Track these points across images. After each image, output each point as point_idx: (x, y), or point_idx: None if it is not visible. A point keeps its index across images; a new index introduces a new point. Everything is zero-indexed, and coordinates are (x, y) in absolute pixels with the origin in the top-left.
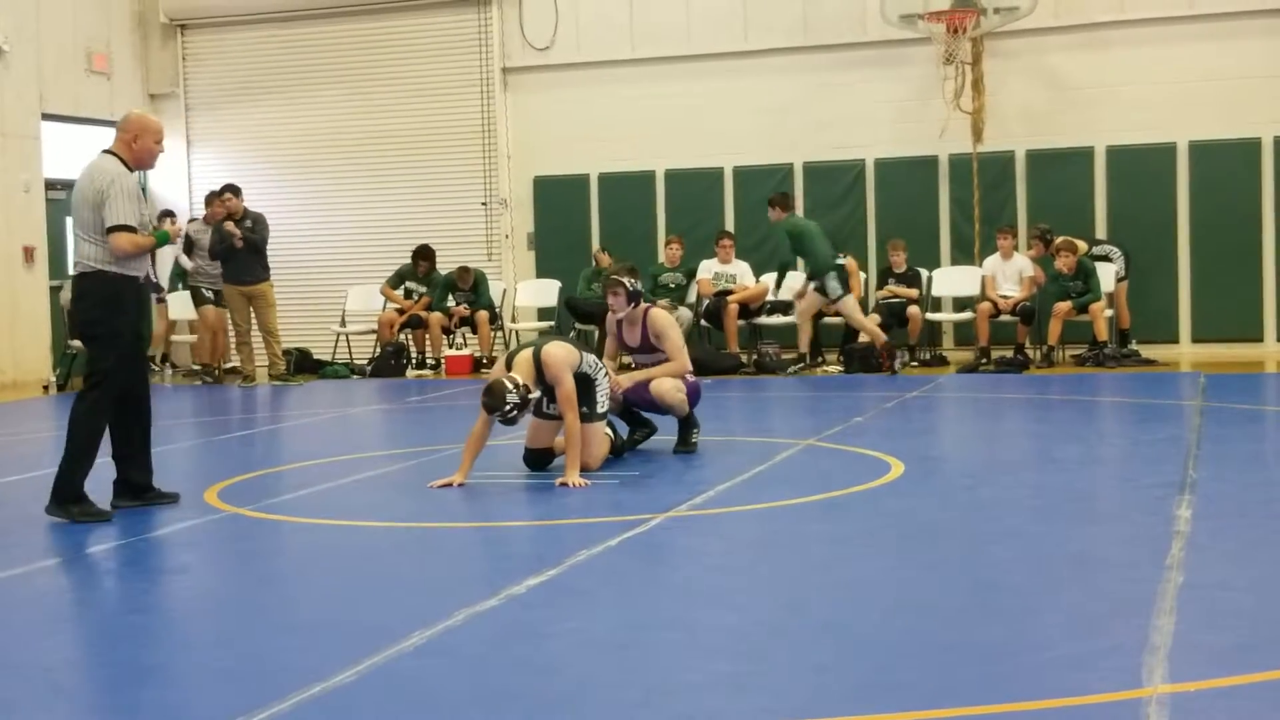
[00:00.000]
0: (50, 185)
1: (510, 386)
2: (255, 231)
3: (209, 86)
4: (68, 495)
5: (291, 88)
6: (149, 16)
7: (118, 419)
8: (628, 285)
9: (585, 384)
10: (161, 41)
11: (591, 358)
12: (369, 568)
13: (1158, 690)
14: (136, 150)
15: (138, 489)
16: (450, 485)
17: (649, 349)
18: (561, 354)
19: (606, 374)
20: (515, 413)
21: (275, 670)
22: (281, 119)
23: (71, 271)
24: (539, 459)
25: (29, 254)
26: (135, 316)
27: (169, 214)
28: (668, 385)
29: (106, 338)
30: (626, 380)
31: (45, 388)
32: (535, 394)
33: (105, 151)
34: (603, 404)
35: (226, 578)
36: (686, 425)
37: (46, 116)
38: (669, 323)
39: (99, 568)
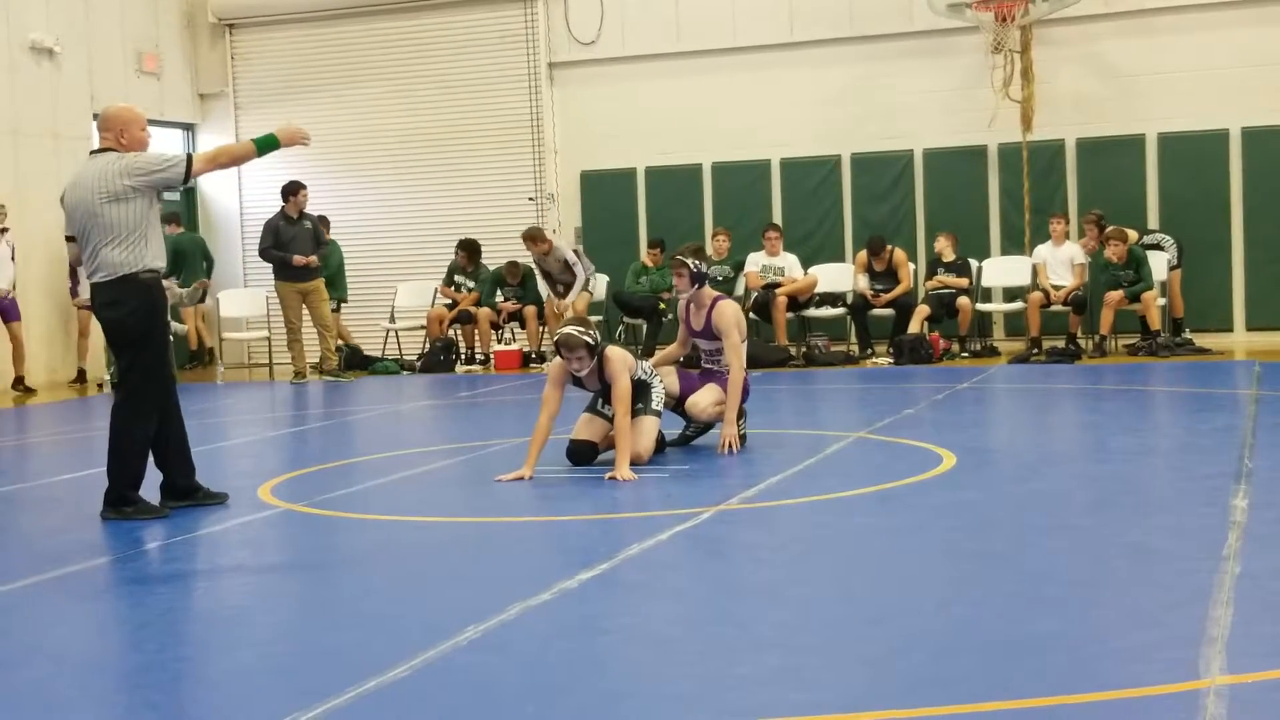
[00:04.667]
0: None
1: (580, 330)
2: (321, 244)
3: (258, 85)
4: (119, 499)
5: (339, 85)
6: (198, 16)
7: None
8: (691, 266)
9: (641, 388)
10: (210, 41)
11: (647, 365)
12: (422, 563)
13: (1215, 681)
14: (127, 144)
15: (183, 490)
16: (521, 479)
17: (710, 335)
18: (621, 354)
19: (660, 380)
20: (588, 355)
21: (331, 665)
22: (330, 117)
23: (94, 279)
24: (583, 453)
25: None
26: (167, 317)
27: (174, 216)
28: (703, 404)
29: (143, 341)
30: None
31: (100, 386)
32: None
33: (95, 152)
34: (657, 403)
35: (281, 574)
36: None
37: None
38: (732, 322)
39: (153, 565)
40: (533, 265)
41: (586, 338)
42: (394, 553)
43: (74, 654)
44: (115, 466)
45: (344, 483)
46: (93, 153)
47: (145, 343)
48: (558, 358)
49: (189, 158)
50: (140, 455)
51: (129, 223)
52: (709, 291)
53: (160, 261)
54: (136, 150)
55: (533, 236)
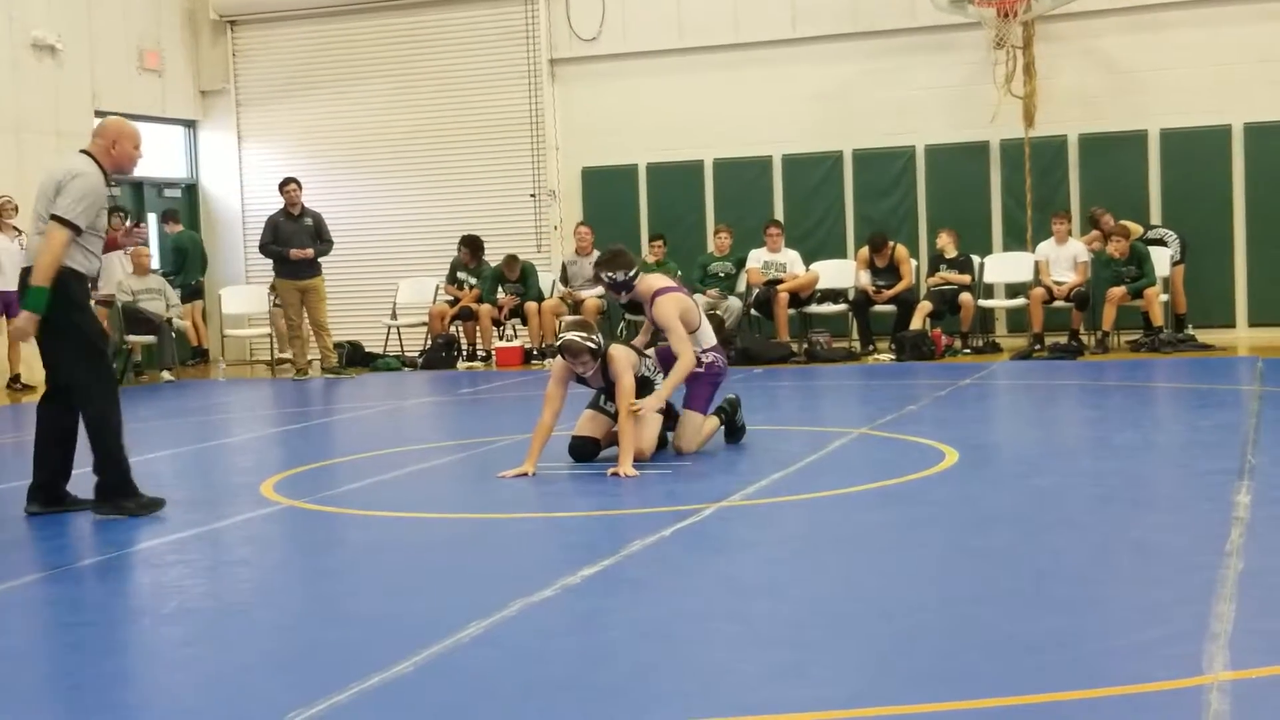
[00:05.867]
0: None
1: (583, 336)
2: (322, 238)
3: (259, 82)
4: (114, 493)
5: (340, 82)
6: (199, 13)
7: (46, 416)
8: (605, 279)
9: (644, 385)
10: (212, 38)
11: (650, 363)
12: (424, 559)
13: (1219, 677)
14: (116, 155)
15: (58, 497)
16: (524, 475)
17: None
18: (625, 352)
19: (663, 378)
20: (591, 359)
21: (333, 661)
22: (331, 113)
23: (22, 263)
24: (585, 450)
25: None
26: (91, 314)
27: (172, 214)
28: (695, 443)
29: (70, 333)
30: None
31: None
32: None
33: (81, 151)
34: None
35: (283, 570)
36: (730, 417)
37: (100, 114)
38: (671, 314)
39: (155, 561)
40: (564, 263)
41: (589, 344)
42: (396, 549)
43: (74, 647)
44: (100, 466)
45: (346, 479)
46: (80, 150)
47: (77, 336)
48: (560, 358)
49: (67, 224)
50: (119, 447)
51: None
52: (649, 285)
53: (86, 269)
54: (123, 164)
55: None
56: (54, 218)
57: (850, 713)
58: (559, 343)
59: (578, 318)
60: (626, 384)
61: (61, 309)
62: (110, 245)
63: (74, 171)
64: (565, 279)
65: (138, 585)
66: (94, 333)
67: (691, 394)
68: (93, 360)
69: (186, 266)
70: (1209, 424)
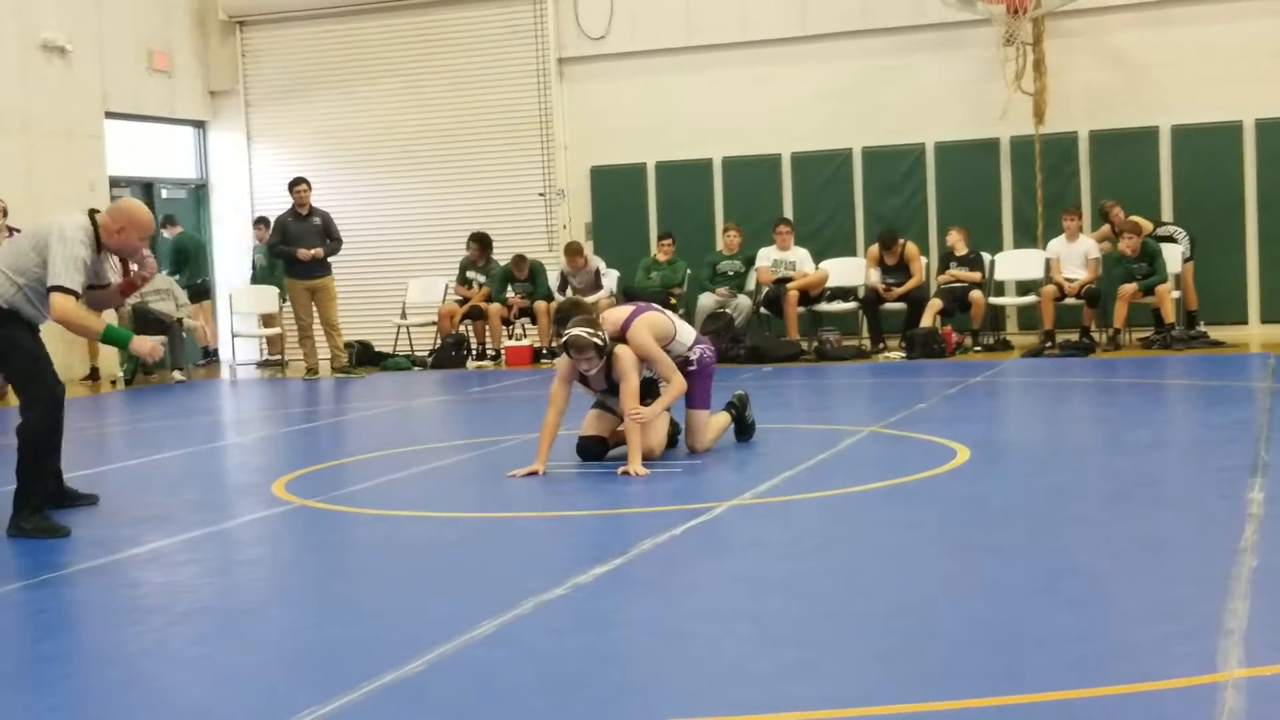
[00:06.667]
0: (114, 183)
1: (589, 332)
2: (332, 236)
3: (268, 82)
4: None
5: (349, 82)
6: (208, 14)
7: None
8: (596, 342)
9: (650, 386)
10: (221, 38)
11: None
12: (436, 558)
13: (1233, 675)
14: (119, 240)
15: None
16: (534, 474)
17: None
18: (630, 353)
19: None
20: (597, 355)
21: (345, 660)
22: (340, 113)
23: None
24: (593, 448)
25: None
26: (29, 328)
27: (170, 218)
28: (707, 440)
29: (13, 350)
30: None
31: (113, 383)
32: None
33: (90, 211)
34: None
35: (295, 569)
36: (740, 413)
37: (110, 115)
38: (630, 366)
39: (167, 561)
40: (562, 272)
41: (595, 339)
42: (407, 548)
43: (87, 646)
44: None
45: (357, 478)
46: (89, 210)
47: (13, 348)
48: (565, 355)
49: (65, 290)
50: (49, 458)
51: (29, 272)
52: (615, 319)
53: (33, 319)
54: (122, 250)
55: (576, 250)
56: (53, 289)
57: (861, 711)
58: (564, 338)
59: (585, 315)
60: (631, 385)
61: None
62: (127, 289)
63: (63, 230)
64: (566, 287)
65: (150, 585)
66: (33, 342)
67: (692, 393)
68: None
69: (187, 268)
70: (1221, 420)
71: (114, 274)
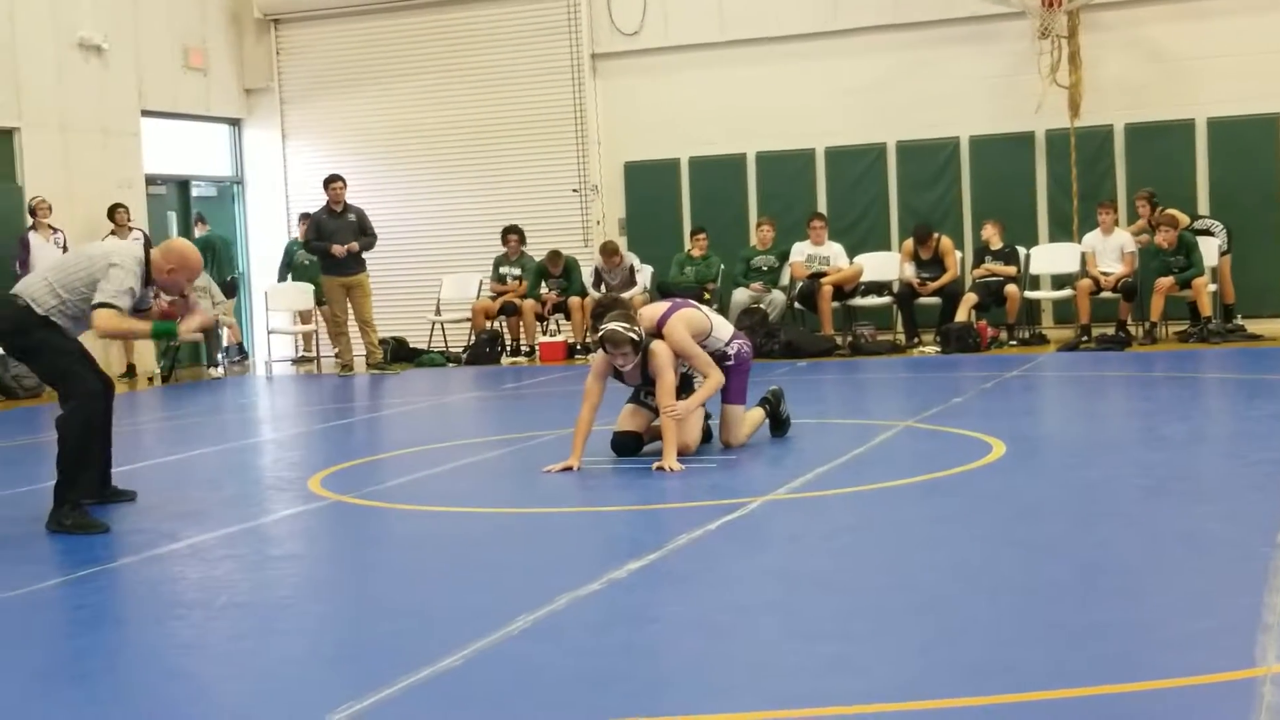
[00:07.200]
0: (150, 181)
1: (625, 326)
2: (366, 232)
3: (303, 80)
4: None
5: (383, 79)
6: (243, 12)
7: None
8: (633, 338)
9: (684, 382)
10: (256, 36)
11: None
12: (472, 554)
13: (1272, 670)
14: (167, 279)
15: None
16: (569, 469)
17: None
18: (666, 348)
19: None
20: (633, 351)
21: (383, 655)
22: (374, 110)
23: (12, 290)
24: (628, 444)
25: None
26: (62, 333)
27: (199, 216)
28: (742, 435)
29: (47, 349)
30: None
31: (150, 380)
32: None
33: (145, 245)
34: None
35: (332, 564)
36: (774, 408)
37: (146, 113)
38: (665, 363)
39: (205, 556)
40: (597, 269)
41: (632, 334)
42: (443, 543)
43: (127, 641)
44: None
45: (392, 474)
46: (145, 243)
47: (55, 349)
48: (601, 350)
49: (105, 305)
50: (90, 457)
51: (75, 290)
52: (651, 315)
53: (71, 330)
54: (168, 288)
55: (612, 250)
56: (98, 305)
57: (899, 705)
58: (600, 333)
59: (622, 310)
60: (668, 381)
61: (32, 328)
62: (168, 314)
63: (121, 259)
64: (600, 283)
65: (188, 580)
66: (74, 341)
67: (728, 388)
68: (74, 363)
69: (215, 265)
70: (1259, 414)
71: (154, 302)
